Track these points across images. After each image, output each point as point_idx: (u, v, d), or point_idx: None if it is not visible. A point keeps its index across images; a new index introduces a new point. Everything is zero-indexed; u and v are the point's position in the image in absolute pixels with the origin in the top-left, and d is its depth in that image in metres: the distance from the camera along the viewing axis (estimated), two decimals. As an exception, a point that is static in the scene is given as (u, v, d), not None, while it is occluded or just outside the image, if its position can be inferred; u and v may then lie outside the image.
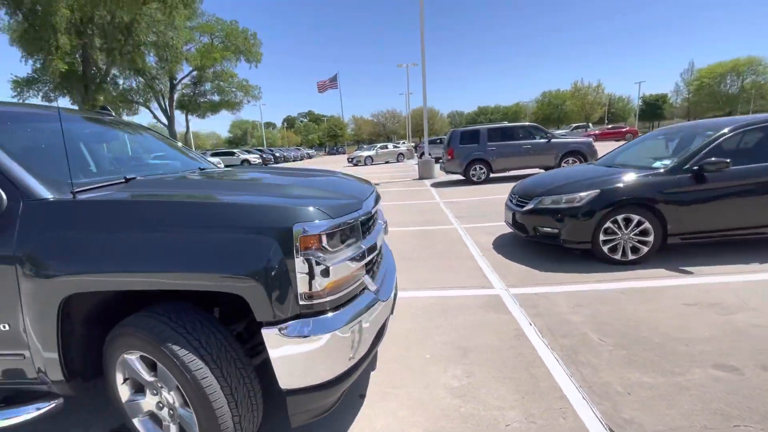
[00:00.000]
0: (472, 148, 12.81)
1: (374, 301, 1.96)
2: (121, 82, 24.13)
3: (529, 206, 4.70)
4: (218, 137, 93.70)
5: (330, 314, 1.70)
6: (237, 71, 32.87)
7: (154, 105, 30.98)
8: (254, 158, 35.24)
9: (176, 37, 20.30)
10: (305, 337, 1.63)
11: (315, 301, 1.66)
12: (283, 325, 1.62)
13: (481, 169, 12.80)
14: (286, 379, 1.66)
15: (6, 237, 1.61)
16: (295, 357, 1.64)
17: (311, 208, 1.68)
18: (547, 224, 4.50)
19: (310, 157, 52.72)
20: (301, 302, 1.63)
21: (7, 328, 1.66)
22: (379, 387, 2.39)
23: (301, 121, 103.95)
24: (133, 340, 1.64)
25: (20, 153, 1.81)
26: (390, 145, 32.30)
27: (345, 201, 1.89)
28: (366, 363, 1.98)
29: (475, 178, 12.84)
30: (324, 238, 1.67)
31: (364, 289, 1.94)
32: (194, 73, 31.09)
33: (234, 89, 34.01)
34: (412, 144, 34.03)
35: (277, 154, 41.69)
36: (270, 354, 1.61)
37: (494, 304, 3.46)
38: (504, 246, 5.22)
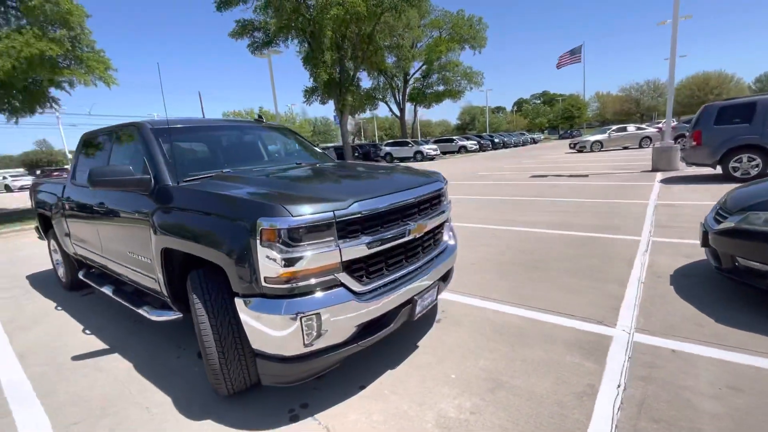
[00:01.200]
0: (737, 129, 8.94)
1: (346, 299, 2.00)
2: (364, 84, 29.54)
3: (729, 223, 3.11)
4: (448, 124, 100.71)
5: (286, 300, 1.91)
6: (462, 59, 34.21)
7: (390, 100, 36.46)
8: (471, 144, 36.19)
9: (406, 38, 23.15)
10: (261, 313, 1.91)
11: (274, 286, 1.90)
12: (248, 299, 1.96)
13: (752, 159, 8.80)
14: (253, 342, 2.01)
15: (149, 204, 2.61)
16: (257, 327, 1.95)
17: (276, 206, 1.90)
18: (756, 255, 2.88)
19: (534, 141, 49.25)
20: (263, 284, 1.91)
21: (148, 260, 2.71)
22: (383, 386, 2.38)
23: (534, 103, 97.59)
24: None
25: (168, 155, 2.81)
26: (631, 127, 26.16)
27: (318, 204, 1.98)
28: (343, 354, 2.08)
29: (738, 174, 8.99)
30: (283, 233, 1.86)
31: (337, 285, 2.01)
32: (423, 67, 34.43)
33: (458, 78, 35.58)
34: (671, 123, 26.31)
35: (496, 140, 41.15)
36: (240, 317, 1.99)
37: (592, 346, 2.63)
38: (693, 276, 3.68)
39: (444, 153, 34.59)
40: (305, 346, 1.94)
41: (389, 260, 2.32)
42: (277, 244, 1.86)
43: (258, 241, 1.88)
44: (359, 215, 2.08)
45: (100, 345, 3.22)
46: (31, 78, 10.04)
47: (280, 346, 1.94)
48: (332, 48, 19.99)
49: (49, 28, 9.57)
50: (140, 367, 2.81)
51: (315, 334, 1.94)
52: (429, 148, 29.63)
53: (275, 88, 21.48)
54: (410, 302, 2.37)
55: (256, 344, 2.01)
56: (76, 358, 3.03)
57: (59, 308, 4.16)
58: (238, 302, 1.99)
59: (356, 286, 2.09)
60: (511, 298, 3.52)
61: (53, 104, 12.14)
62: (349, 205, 2.05)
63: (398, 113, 36.76)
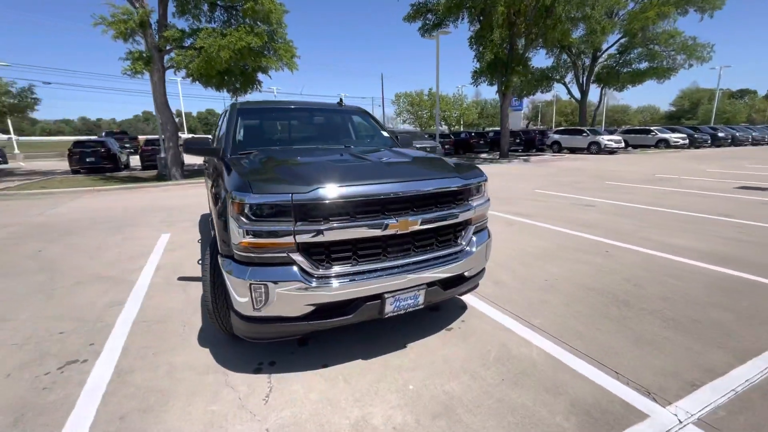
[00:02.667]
0: None
1: (295, 278, 2.13)
2: (539, 62, 26.34)
3: None
4: (655, 111, 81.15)
5: (250, 268, 2.16)
6: (682, 28, 26.53)
7: (571, 81, 31.75)
8: (677, 138, 28.45)
9: (597, 6, 19.35)
10: (230, 276, 2.22)
11: (239, 252, 2.19)
12: (223, 259, 2.31)
13: None
14: (230, 297, 2.36)
15: (215, 168, 3.25)
16: (229, 285, 2.27)
17: (245, 184, 2.13)
18: None
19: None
20: (233, 249, 2.21)
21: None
22: (341, 371, 2.43)
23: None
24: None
25: (237, 131, 3.39)
26: None
27: (278, 186, 2.12)
28: (297, 329, 2.26)
29: None
30: (246, 208, 2.10)
31: (290, 263, 2.14)
32: (622, 40, 28.35)
33: (672, 52, 27.97)
34: None
35: (721, 134, 31.11)
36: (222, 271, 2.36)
37: (606, 418, 1.98)
38: None
39: (635, 146, 28.45)
40: (254, 309, 2.17)
41: (360, 251, 2.29)
42: (241, 217, 2.11)
43: (230, 210, 2.17)
44: (320, 201, 2.11)
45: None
46: (243, 65, 13.20)
47: (240, 305, 2.22)
48: (503, 25, 18.67)
49: (256, 24, 12.26)
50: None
51: (263, 301, 2.14)
52: (609, 140, 24.76)
53: (441, 68, 21.75)
54: (378, 298, 2.29)
55: (230, 299, 2.36)
56: (180, 278, 4.11)
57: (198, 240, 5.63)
58: (220, 260, 2.36)
59: (310, 269, 2.17)
60: (554, 329, 2.89)
61: (258, 86, 15.64)
62: (310, 191, 2.11)
63: (578, 96, 31.86)
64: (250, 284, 2.12)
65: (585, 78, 31.03)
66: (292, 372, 2.43)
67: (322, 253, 2.22)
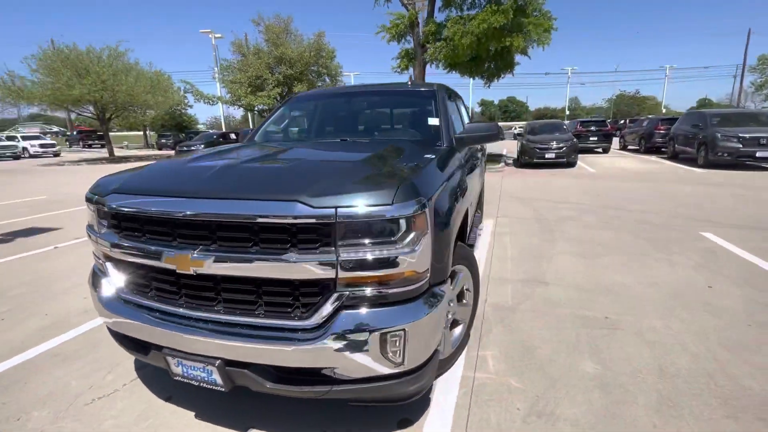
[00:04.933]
0: None
1: (96, 288, 1.87)
2: None
3: None
4: None
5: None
6: None
7: None
8: None
9: None
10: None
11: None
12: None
13: None
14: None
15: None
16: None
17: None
18: None
19: None
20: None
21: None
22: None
23: None
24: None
25: (275, 118, 3.25)
26: None
27: (96, 184, 1.84)
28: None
29: None
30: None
31: (105, 273, 1.89)
32: None
33: None
34: None
35: None
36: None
37: None
38: None
39: None
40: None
41: (156, 281, 1.70)
42: None
43: None
44: (108, 207, 1.71)
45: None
46: (490, 48, 12.40)
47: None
48: None
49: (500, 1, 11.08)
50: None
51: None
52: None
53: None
54: (160, 350, 1.66)
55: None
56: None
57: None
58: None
59: (110, 280, 1.82)
60: None
61: (510, 70, 14.36)
62: (106, 194, 1.74)
63: None
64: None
65: None
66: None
67: (120, 266, 1.81)
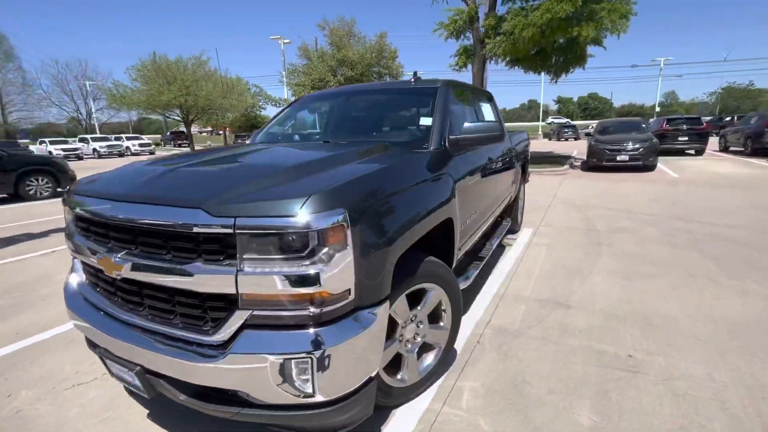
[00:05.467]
0: None
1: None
2: None
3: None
4: None
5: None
6: None
7: None
8: None
9: None
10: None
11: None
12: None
13: None
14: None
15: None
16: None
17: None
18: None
19: None
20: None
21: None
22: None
23: None
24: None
25: (279, 119, 3.24)
26: None
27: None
28: None
29: None
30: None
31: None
32: None
33: None
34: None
35: None
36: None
37: None
38: None
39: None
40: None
41: (92, 282, 1.77)
42: None
43: None
44: (69, 207, 1.79)
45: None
46: (557, 40, 11.34)
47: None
48: None
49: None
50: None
51: None
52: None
53: None
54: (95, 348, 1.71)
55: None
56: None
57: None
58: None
59: (74, 279, 1.92)
60: None
61: (581, 63, 12.99)
62: (72, 194, 1.82)
63: None
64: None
65: None
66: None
67: (83, 271, 1.88)
